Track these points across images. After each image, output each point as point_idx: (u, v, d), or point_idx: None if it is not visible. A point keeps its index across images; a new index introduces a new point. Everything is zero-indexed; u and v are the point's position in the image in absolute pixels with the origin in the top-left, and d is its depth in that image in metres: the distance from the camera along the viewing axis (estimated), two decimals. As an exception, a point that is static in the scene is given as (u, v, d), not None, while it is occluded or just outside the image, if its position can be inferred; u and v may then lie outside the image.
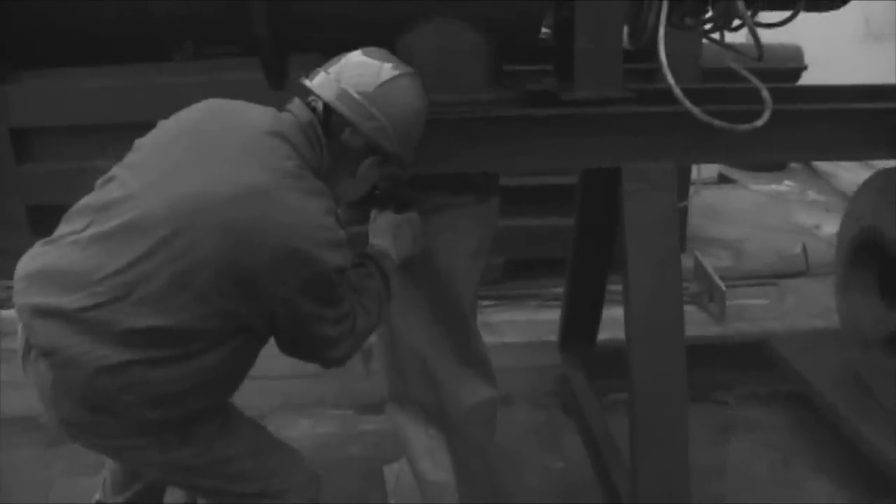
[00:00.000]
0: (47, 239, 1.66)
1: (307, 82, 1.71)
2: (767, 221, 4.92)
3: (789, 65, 4.65)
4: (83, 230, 1.58)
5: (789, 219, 5.08)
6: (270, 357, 2.93)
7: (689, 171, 4.01)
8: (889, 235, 2.51)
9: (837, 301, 2.95)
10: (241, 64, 2.17)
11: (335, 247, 1.57)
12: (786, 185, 6.11)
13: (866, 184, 2.74)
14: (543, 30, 2.27)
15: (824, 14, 2.49)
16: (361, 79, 1.67)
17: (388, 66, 1.71)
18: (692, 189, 4.07)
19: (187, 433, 1.66)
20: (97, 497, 2.12)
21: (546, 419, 3.06)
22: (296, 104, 1.71)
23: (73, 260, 1.56)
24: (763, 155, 2.11)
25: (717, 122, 1.90)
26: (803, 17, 2.32)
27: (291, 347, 1.72)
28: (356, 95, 1.65)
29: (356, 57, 1.72)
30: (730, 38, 2.25)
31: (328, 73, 1.69)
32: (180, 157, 1.60)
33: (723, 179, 5.88)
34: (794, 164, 6.64)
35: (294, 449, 1.92)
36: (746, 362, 3.13)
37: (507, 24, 2.00)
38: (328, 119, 1.68)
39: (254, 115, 1.67)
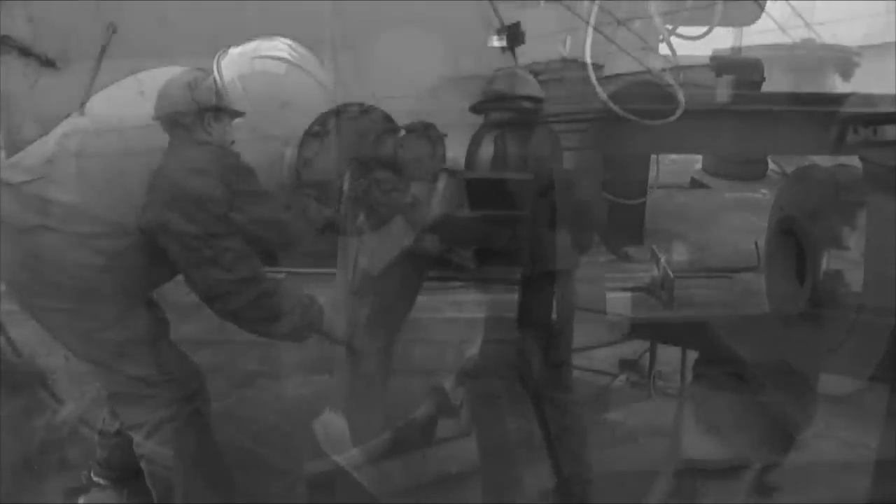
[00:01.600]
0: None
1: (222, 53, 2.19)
2: (732, 223, 5.15)
3: (752, 77, 4.96)
4: (52, 132, 2.08)
5: (756, 222, 5.29)
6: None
7: (646, 172, 4.31)
8: (800, 223, 2.83)
9: (766, 283, 3.27)
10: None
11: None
12: (761, 193, 6.32)
13: (787, 178, 3.07)
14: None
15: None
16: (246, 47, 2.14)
17: (275, 49, 2.15)
18: (649, 191, 4.36)
19: (95, 308, 2.04)
20: (99, 427, 2.52)
21: (505, 386, 3.35)
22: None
23: (37, 152, 2.05)
24: (680, 146, 2.45)
25: (633, 118, 2.25)
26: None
27: (190, 281, 2.04)
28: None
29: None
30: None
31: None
32: (120, 95, 2.13)
33: (695, 184, 6.11)
34: (772, 174, 6.89)
35: (188, 355, 2.25)
36: (689, 342, 3.41)
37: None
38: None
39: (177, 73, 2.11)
